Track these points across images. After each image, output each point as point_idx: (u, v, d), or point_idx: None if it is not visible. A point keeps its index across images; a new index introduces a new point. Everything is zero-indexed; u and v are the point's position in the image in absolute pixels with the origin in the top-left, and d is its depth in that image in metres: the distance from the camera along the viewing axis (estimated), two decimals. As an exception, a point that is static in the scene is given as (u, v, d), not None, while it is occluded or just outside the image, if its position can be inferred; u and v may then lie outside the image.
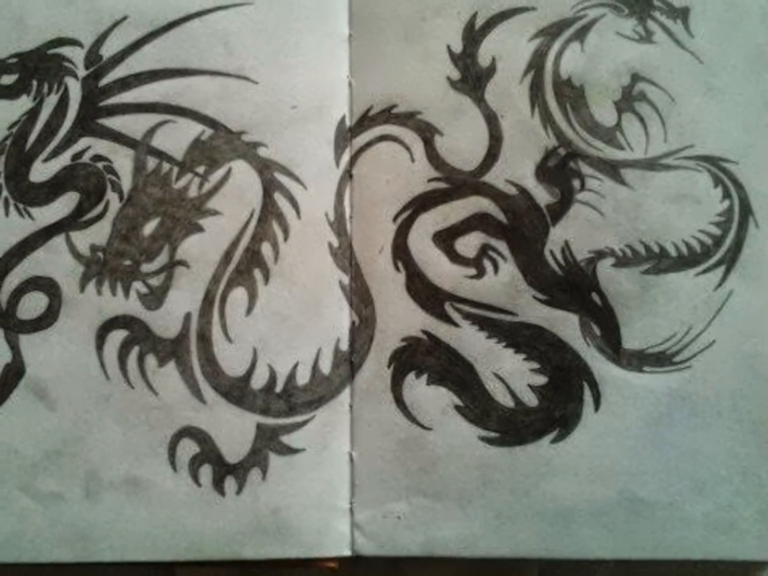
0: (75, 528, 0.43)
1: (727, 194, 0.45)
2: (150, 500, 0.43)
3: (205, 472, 0.44)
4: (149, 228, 0.45)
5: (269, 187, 0.45)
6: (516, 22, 0.45)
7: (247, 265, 0.45)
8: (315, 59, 0.46)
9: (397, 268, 0.45)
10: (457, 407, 0.44)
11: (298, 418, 0.44)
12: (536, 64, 0.45)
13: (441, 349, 0.44)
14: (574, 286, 0.44)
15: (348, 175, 0.45)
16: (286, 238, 0.45)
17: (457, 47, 0.45)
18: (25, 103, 0.45)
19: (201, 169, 0.45)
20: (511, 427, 0.44)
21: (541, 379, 0.44)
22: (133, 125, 0.45)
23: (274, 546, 0.43)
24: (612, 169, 0.45)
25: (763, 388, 0.44)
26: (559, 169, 0.45)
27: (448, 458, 0.44)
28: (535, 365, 0.44)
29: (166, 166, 0.45)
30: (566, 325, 0.44)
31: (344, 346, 0.44)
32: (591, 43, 0.45)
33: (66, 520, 0.43)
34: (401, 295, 0.45)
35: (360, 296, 0.45)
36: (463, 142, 0.45)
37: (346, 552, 0.44)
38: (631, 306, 0.44)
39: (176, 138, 0.45)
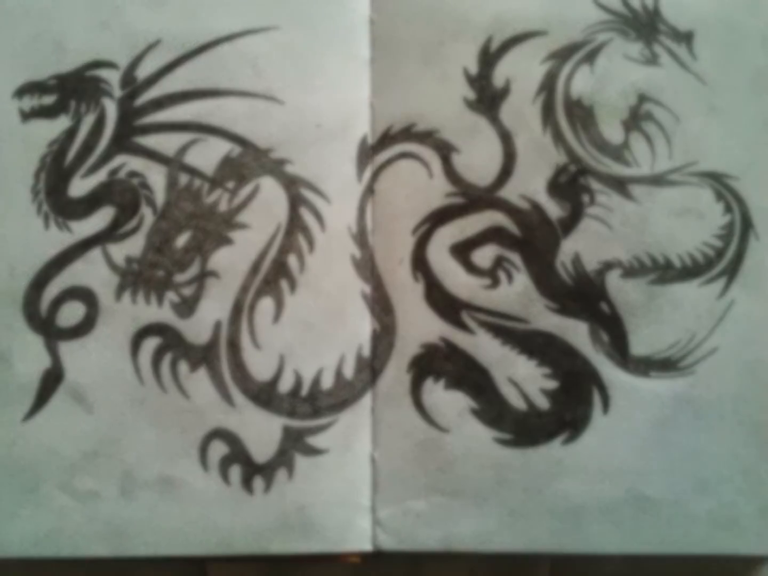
0: (111, 524, 0.45)
1: (728, 208, 0.47)
2: (182, 498, 0.46)
3: (235, 471, 0.46)
4: (182, 240, 0.47)
5: (295, 201, 0.47)
6: (529, 46, 0.48)
7: (274, 275, 0.47)
8: (338, 81, 0.48)
9: (416, 279, 0.47)
10: (473, 410, 0.46)
11: (323, 421, 0.46)
12: (548, 86, 0.47)
13: (458, 356, 0.46)
14: (584, 295, 0.47)
15: (370, 190, 0.47)
16: (311, 250, 0.47)
17: (473, 70, 0.48)
18: (63, 122, 0.48)
19: (231, 185, 0.47)
20: (524, 429, 0.46)
21: (552, 384, 0.46)
22: (167, 143, 0.47)
23: (300, 542, 0.45)
24: (620, 185, 0.47)
25: (764, 392, 0.46)
26: (570, 185, 0.47)
27: (465, 459, 0.46)
28: (547, 370, 0.46)
29: (197, 182, 0.47)
30: (577, 333, 0.46)
31: (366, 352, 0.47)
32: (600, 65, 0.47)
33: (102, 517, 0.46)
34: (420, 304, 0.47)
35: (381, 305, 0.47)
36: (478, 159, 0.47)
37: (368, 547, 0.46)
38: (638, 314, 0.46)
39: (207, 155, 0.47)
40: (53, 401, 0.46)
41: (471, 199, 0.47)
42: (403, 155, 0.47)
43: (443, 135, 0.47)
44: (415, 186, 0.47)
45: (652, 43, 0.47)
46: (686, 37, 0.47)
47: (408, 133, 0.47)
